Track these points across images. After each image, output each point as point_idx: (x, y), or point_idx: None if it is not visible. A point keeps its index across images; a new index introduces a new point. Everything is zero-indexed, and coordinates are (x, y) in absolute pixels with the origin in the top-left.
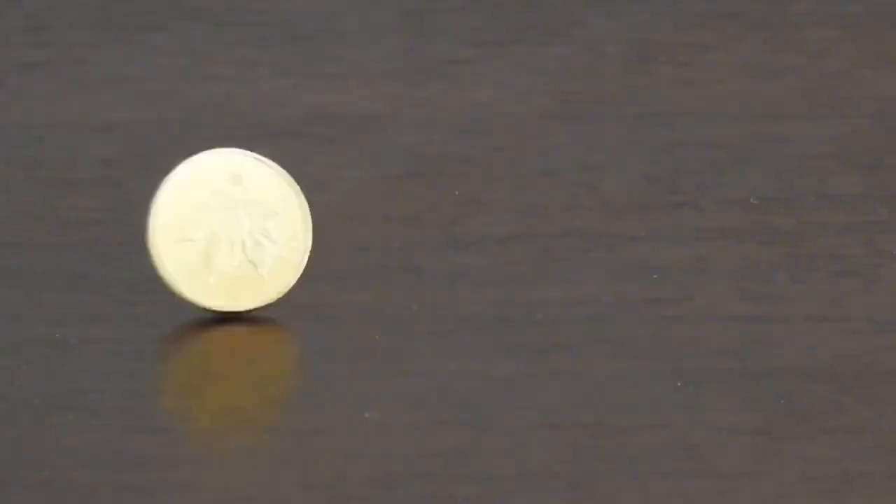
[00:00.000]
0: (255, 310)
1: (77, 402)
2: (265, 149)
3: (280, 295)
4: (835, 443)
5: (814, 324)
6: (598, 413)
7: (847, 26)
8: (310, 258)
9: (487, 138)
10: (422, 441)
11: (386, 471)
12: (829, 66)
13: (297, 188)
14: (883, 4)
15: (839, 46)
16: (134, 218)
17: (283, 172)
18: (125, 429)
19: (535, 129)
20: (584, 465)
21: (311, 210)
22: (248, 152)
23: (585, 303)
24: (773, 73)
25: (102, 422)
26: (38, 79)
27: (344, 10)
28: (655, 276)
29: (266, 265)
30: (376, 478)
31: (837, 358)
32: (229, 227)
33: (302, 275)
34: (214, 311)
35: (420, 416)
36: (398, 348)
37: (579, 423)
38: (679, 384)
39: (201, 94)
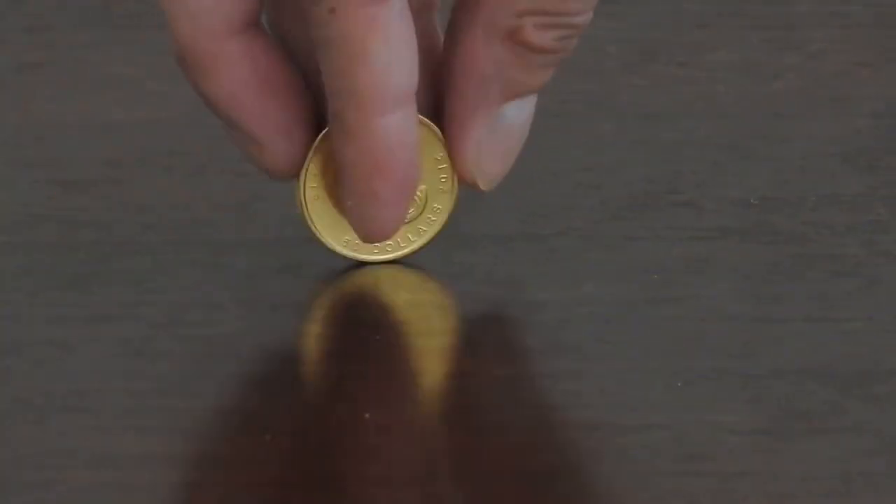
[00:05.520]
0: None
1: (77, 402)
2: None
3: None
4: (835, 443)
5: (814, 324)
6: (598, 413)
7: (847, 26)
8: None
9: None
10: (422, 441)
11: (386, 471)
12: (829, 66)
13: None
14: (883, 4)
15: (839, 46)
16: (134, 218)
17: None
18: (125, 429)
19: (534, 130)
20: (585, 465)
21: None
22: None
23: (585, 303)
24: (773, 73)
25: (102, 422)
26: (38, 79)
27: None
28: (655, 277)
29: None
30: (376, 478)
31: (837, 358)
32: None
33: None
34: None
35: (420, 416)
36: (398, 348)
37: (579, 423)
38: (679, 384)
39: None
